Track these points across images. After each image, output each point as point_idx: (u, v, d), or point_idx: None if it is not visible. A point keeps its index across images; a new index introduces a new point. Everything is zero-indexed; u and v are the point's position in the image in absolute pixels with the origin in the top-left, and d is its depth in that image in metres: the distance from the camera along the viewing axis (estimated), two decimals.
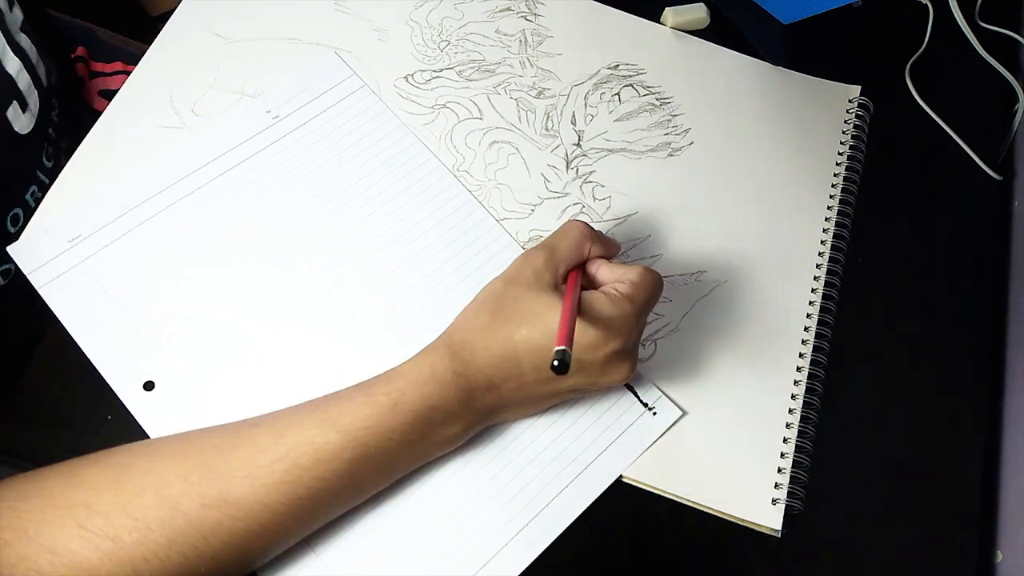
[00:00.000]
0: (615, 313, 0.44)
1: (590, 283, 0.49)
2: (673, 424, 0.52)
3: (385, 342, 0.52)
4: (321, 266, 0.53)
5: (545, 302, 0.44)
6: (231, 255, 0.53)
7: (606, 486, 0.50)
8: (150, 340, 0.50)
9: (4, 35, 0.54)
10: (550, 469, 0.49)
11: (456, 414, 0.45)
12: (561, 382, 0.46)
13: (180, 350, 0.50)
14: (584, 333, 0.44)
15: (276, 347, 0.51)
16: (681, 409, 0.52)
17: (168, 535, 0.39)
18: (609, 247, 0.50)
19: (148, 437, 0.47)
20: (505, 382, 0.45)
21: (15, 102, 0.55)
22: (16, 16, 0.58)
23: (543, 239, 0.48)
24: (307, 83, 0.59)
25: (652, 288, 0.46)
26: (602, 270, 0.48)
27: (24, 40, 0.57)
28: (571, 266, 0.48)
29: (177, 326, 0.51)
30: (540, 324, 0.43)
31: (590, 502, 0.49)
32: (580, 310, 0.44)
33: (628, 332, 0.45)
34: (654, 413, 0.52)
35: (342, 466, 0.42)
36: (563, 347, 0.39)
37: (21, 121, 0.56)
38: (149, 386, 0.49)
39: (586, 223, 0.49)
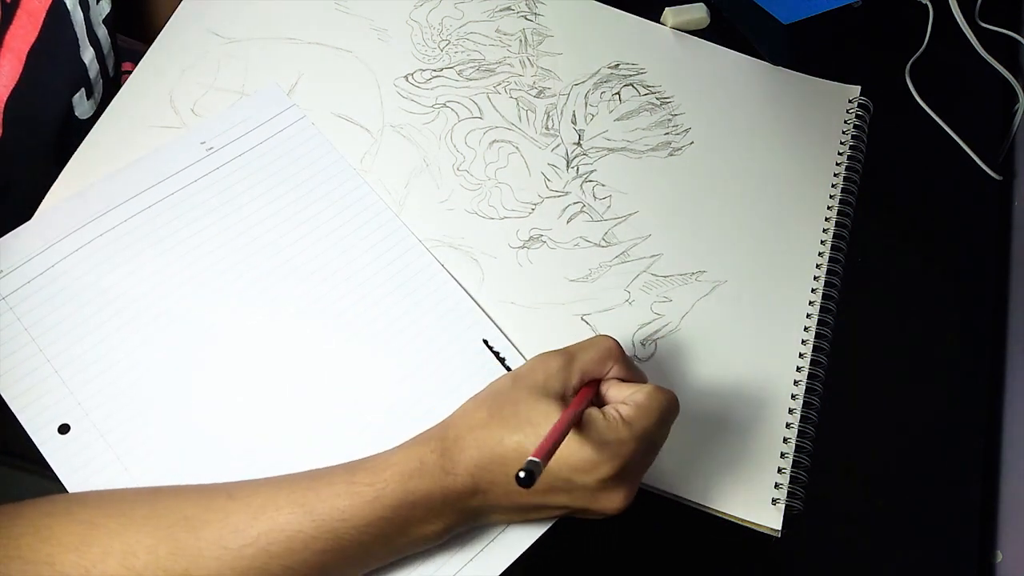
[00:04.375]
0: (610, 437, 0.41)
1: (599, 400, 0.46)
2: None
3: (319, 384, 0.50)
4: (252, 305, 0.51)
5: (544, 411, 0.41)
6: (157, 293, 0.50)
7: (531, 543, 0.46)
8: (68, 380, 0.47)
9: (85, 26, 0.56)
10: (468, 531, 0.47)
11: (438, 512, 0.42)
12: (547, 498, 0.43)
13: (99, 393, 0.47)
14: (576, 453, 0.41)
15: (202, 392, 0.48)
16: None
17: None
18: (634, 374, 0.46)
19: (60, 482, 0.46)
20: (491, 487, 0.42)
21: (83, 89, 0.56)
22: (102, 8, 0.59)
23: (568, 346, 0.45)
24: (245, 113, 0.56)
25: (659, 412, 0.43)
26: (612, 388, 0.45)
27: (102, 31, 0.58)
28: (587, 380, 0.44)
29: (97, 367, 0.48)
30: (533, 433, 0.41)
31: (524, 549, 0.46)
32: (579, 427, 0.41)
33: (624, 459, 0.41)
34: None
35: (312, 557, 0.40)
36: (536, 459, 0.36)
37: (83, 107, 0.57)
38: (64, 429, 0.46)
39: (618, 342, 0.45)
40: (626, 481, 0.42)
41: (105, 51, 0.59)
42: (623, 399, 0.44)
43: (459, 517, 0.43)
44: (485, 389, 0.45)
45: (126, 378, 0.48)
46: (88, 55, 0.56)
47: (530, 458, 0.36)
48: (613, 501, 0.42)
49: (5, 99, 0.49)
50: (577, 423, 0.41)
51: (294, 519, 0.40)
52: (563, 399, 0.43)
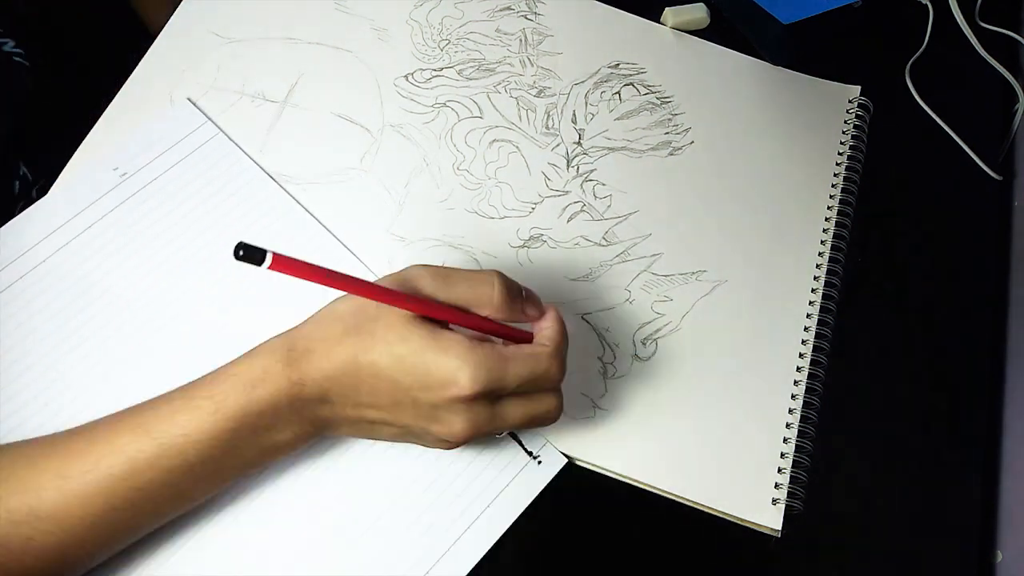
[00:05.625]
0: (471, 358, 0.40)
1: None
2: (557, 473, 0.50)
3: None
4: (177, 334, 0.50)
5: (401, 333, 0.40)
6: (80, 335, 0.49)
7: (492, 543, 0.48)
8: None
9: None
10: (433, 531, 0.48)
11: (286, 420, 0.42)
12: (393, 413, 0.42)
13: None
14: (429, 365, 0.40)
15: None
16: (566, 456, 0.51)
17: None
18: (517, 315, 0.44)
19: None
20: (340, 398, 0.42)
21: None
22: None
23: (448, 270, 0.43)
24: (157, 134, 0.55)
25: (531, 369, 0.41)
26: (545, 330, 0.44)
27: None
28: (455, 304, 0.43)
29: (14, 416, 0.47)
30: (386, 352, 0.40)
31: (478, 560, 0.47)
32: (438, 340, 0.40)
33: (476, 388, 0.40)
34: (539, 462, 0.50)
35: (160, 475, 0.40)
36: (268, 251, 0.34)
37: None
38: None
39: (504, 288, 0.43)
40: (470, 414, 0.41)
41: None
42: (532, 340, 0.43)
43: (308, 426, 0.43)
44: (340, 304, 0.43)
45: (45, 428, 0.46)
46: None
47: (266, 249, 0.34)
48: (450, 427, 0.41)
49: None
50: (380, 298, 0.39)
51: (133, 440, 0.40)
52: (421, 322, 0.41)
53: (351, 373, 0.41)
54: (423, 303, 0.41)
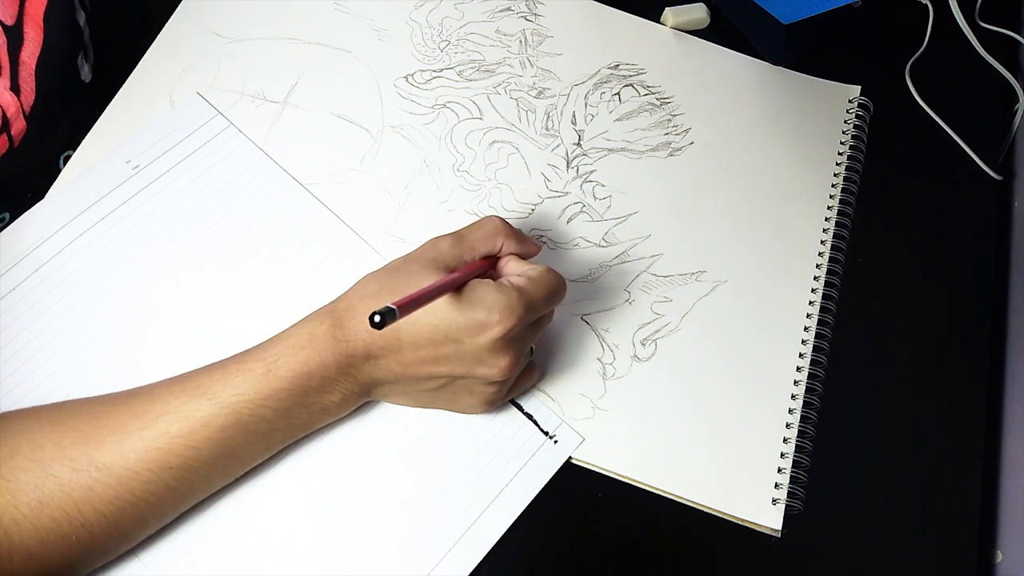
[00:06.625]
0: (500, 299, 0.43)
1: (496, 276, 0.48)
2: (576, 448, 0.51)
3: None
4: (191, 325, 0.51)
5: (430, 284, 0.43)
6: (96, 327, 0.50)
7: (510, 523, 0.48)
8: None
9: None
10: (452, 511, 0.48)
11: (334, 380, 0.44)
12: (436, 365, 0.44)
13: None
14: (463, 315, 0.43)
15: None
16: (580, 435, 0.51)
17: (39, 498, 0.40)
18: (526, 246, 0.49)
19: None
20: (383, 353, 0.44)
21: (81, 52, 0.56)
22: None
23: (459, 229, 0.47)
24: (169, 128, 0.56)
25: (548, 287, 0.45)
26: (509, 264, 0.48)
27: None
28: (478, 256, 0.47)
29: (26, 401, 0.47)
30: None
31: (496, 540, 0.48)
32: (462, 294, 0.43)
33: (513, 323, 0.43)
34: (555, 442, 0.51)
35: (214, 434, 0.42)
36: (393, 306, 0.37)
37: (84, 70, 0.56)
38: None
39: (503, 220, 0.48)
40: (511, 348, 0.44)
41: (89, 12, 0.58)
42: (518, 272, 0.46)
43: (355, 386, 0.46)
44: (379, 268, 0.46)
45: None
46: (81, 18, 0.56)
47: (389, 305, 0.37)
48: (499, 363, 0.44)
49: (34, 66, 0.50)
50: (458, 287, 0.43)
51: (191, 400, 0.42)
52: (453, 273, 0.45)
53: (391, 327, 0.43)
54: (464, 275, 0.45)
